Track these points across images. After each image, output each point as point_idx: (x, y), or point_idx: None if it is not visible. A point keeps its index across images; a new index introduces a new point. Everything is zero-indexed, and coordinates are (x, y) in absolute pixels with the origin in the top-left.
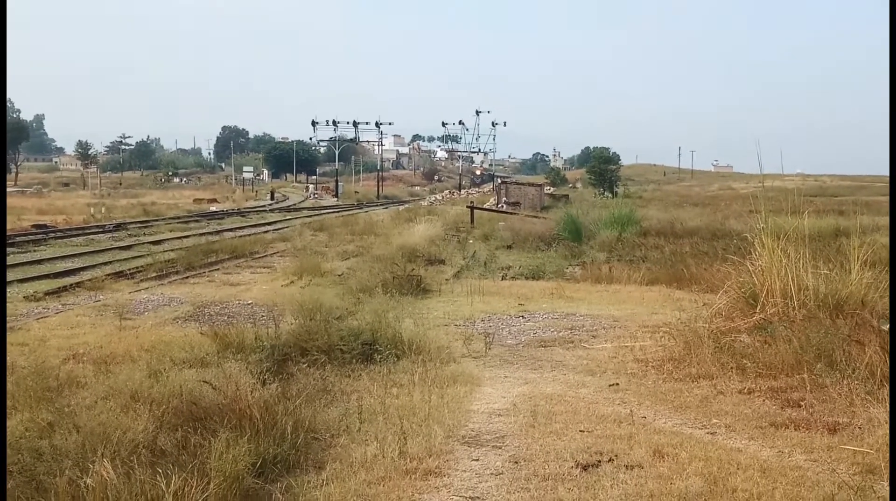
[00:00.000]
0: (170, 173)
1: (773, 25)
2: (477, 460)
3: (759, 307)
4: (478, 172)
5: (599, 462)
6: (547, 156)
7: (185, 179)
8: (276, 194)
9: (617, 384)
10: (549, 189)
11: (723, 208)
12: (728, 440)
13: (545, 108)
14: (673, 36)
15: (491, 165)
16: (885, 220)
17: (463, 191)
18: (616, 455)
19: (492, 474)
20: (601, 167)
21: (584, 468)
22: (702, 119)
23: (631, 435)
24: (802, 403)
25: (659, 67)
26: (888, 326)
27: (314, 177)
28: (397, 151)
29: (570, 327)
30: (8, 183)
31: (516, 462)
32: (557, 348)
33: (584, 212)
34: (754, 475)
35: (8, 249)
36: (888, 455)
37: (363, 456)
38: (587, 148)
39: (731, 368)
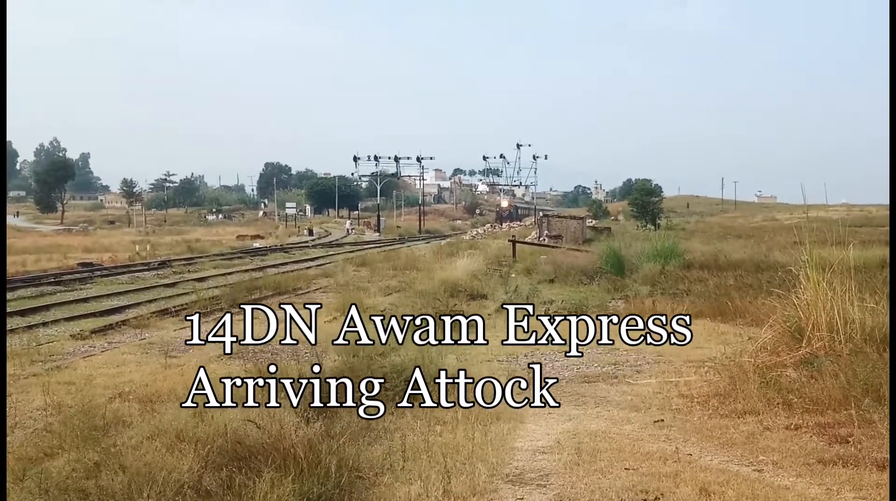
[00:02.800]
0: (213, 210)
1: (812, 50)
2: (521, 499)
3: (804, 341)
4: (504, 205)
5: (645, 500)
6: (588, 188)
7: (222, 215)
8: (315, 230)
9: (662, 420)
10: (590, 222)
11: (767, 239)
12: (775, 477)
13: (586, 140)
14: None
15: (533, 198)
16: None
17: (504, 224)
18: (662, 494)
19: None
20: (643, 199)
21: None
22: (746, 150)
23: (677, 473)
24: (850, 439)
25: (699, 97)
26: None
27: (356, 212)
28: (438, 185)
29: (614, 362)
30: (54, 221)
31: None
32: (601, 383)
33: (627, 245)
34: None
35: (54, 287)
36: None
37: (407, 495)
38: (629, 180)
39: (778, 403)
